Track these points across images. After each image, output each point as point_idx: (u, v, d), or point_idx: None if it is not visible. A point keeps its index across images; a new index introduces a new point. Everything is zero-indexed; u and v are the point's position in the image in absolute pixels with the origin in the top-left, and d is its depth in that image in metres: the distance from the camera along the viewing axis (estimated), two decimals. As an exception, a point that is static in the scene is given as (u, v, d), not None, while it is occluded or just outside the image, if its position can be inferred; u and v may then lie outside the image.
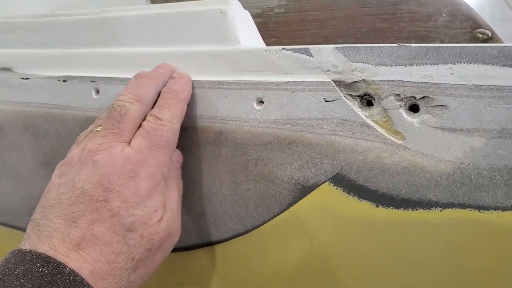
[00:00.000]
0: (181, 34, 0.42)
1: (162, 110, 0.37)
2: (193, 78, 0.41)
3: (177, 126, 0.37)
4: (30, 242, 0.32)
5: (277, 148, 0.37)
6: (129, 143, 0.35)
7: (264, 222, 0.38)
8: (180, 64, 0.42)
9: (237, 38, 0.39)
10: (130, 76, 0.44)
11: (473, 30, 0.52)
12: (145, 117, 0.37)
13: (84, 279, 0.30)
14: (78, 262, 0.30)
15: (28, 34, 0.52)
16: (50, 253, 0.30)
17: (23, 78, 0.52)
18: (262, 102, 0.38)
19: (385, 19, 0.56)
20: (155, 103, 0.38)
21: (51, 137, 0.50)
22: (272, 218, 0.38)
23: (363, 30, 0.58)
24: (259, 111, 0.38)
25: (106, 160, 0.34)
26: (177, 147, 0.39)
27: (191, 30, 0.41)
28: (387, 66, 0.33)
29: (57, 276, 0.29)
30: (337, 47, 0.35)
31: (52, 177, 0.36)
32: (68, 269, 0.29)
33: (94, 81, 0.46)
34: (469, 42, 0.53)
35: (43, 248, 0.31)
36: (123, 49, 0.45)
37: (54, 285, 0.29)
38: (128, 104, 0.37)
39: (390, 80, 0.33)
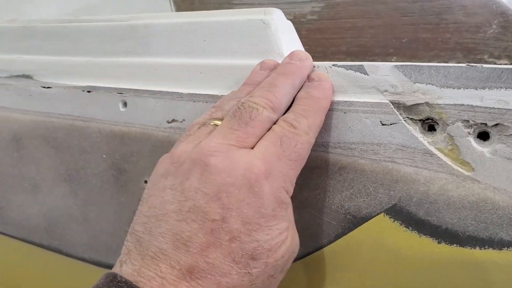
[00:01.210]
0: (218, 46, 0.39)
1: (298, 118, 0.31)
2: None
3: (312, 140, 0.31)
4: (132, 262, 0.27)
5: (326, 174, 0.34)
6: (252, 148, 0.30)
7: (309, 253, 0.35)
8: (217, 78, 0.39)
9: (280, 51, 0.36)
10: (161, 88, 0.41)
11: (525, 43, 0.48)
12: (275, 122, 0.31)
13: None
14: None
15: (50, 40, 0.49)
16: (156, 282, 0.26)
17: (44, 87, 0.49)
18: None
19: (428, 29, 0.53)
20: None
21: (74, 151, 0.47)
22: (317, 250, 0.35)
23: (403, 41, 0.55)
24: (306, 132, 0.34)
25: (224, 166, 0.28)
26: None
27: (229, 41, 0.38)
28: (454, 88, 0.29)
29: None
30: (397, 65, 0.31)
31: (154, 173, 0.31)
32: None
33: (121, 93, 0.43)
34: (521, 55, 0.49)
35: (148, 273, 0.26)
36: (153, 59, 0.42)
37: None
38: (261, 109, 0.30)
39: (457, 104, 0.29)
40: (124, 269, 0.27)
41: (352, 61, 0.61)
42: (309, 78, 0.33)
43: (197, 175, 0.28)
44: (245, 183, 0.27)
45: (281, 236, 0.28)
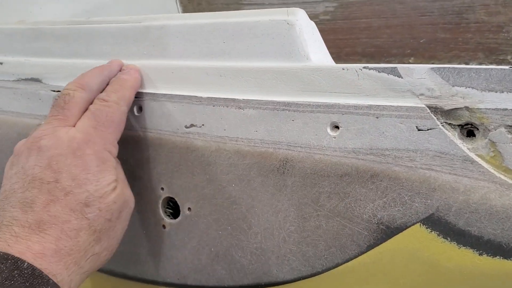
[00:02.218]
0: (239, 48, 0.37)
1: (109, 93, 0.39)
2: (253, 98, 0.36)
3: (124, 108, 0.39)
4: None
5: (356, 182, 0.32)
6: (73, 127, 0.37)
7: (337, 265, 0.34)
8: (238, 82, 0.37)
9: (306, 53, 0.35)
10: (179, 92, 0.40)
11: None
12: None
13: (42, 272, 0.30)
14: (40, 244, 0.31)
15: (60, 42, 0.48)
16: (12, 241, 0.31)
17: (54, 91, 0.47)
18: (337, 127, 0.33)
19: (448, 29, 0.51)
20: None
21: (86, 156, 0.45)
22: (347, 261, 0.33)
23: (421, 41, 0.53)
24: (334, 137, 0.33)
25: (51, 143, 0.35)
26: (233, 176, 0.36)
27: (251, 43, 0.37)
28: (496, 92, 0.28)
29: (15, 271, 0.29)
30: (433, 68, 0.30)
31: (5, 170, 0.37)
32: (26, 263, 0.30)
33: (137, 97, 0.42)
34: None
35: (4, 236, 0.31)
36: (170, 62, 0.41)
37: (12, 281, 0.29)
38: (72, 92, 0.38)
39: (500, 109, 0.28)
40: None
41: (367, 62, 0.60)
42: (121, 70, 0.42)
43: (33, 157, 0.35)
44: (70, 151, 0.35)
45: (110, 186, 0.35)
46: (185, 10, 0.75)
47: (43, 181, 0.34)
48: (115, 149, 0.38)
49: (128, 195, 0.38)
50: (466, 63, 0.51)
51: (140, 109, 0.42)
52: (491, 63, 0.37)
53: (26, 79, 0.50)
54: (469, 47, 0.51)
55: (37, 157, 0.35)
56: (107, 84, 0.40)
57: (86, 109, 0.38)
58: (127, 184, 0.38)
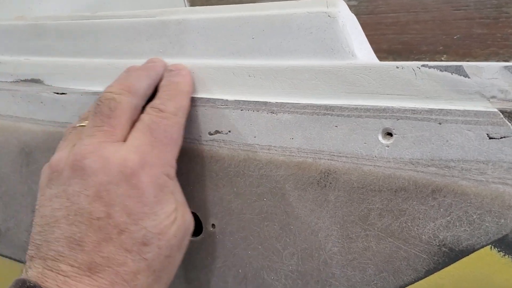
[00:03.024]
0: (270, 44, 0.33)
1: (164, 102, 0.32)
2: (288, 101, 0.32)
3: (182, 120, 0.33)
4: (35, 266, 0.28)
5: (414, 197, 0.28)
6: (124, 140, 0.31)
7: (390, 292, 0.29)
8: (270, 83, 0.33)
9: (351, 50, 0.30)
10: (201, 95, 0.35)
11: None
12: (143, 110, 0.33)
13: None
14: None
15: (64, 39, 0.43)
16: (60, 280, 0.27)
17: (57, 93, 0.43)
18: (391, 134, 0.29)
19: (485, 24, 0.47)
20: (150, 98, 0.34)
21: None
22: (402, 288, 0.29)
23: (455, 37, 0.49)
24: (387, 146, 0.29)
25: (98, 166, 0.29)
26: (265, 189, 0.32)
27: (284, 38, 0.32)
28: None
29: None
30: (507, 66, 0.26)
31: (40, 184, 0.32)
32: None
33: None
34: None
35: (51, 274, 0.27)
36: (189, 61, 0.36)
37: None
38: (118, 96, 0.32)
39: None
40: (30, 273, 0.28)
41: (394, 60, 0.56)
42: (168, 70, 0.35)
43: (77, 180, 0.29)
44: (122, 178, 0.29)
45: (170, 218, 0.30)
46: (193, 4, 0.70)
47: (92, 216, 0.28)
48: (173, 170, 0.31)
49: (189, 221, 0.32)
50: (506, 61, 0.47)
51: (156, 113, 0.37)
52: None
53: (26, 80, 0.45)
54: (509, 43, 0.47)
55: (81, 181, 0.29)
56: (156, 90, 0.34)
57: (135, 120, 0.32)
58: (186, 207, 0.33)
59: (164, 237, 0.29)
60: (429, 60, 0.51)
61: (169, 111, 0.32)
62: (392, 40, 0.53)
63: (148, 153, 0.30)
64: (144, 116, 0.32)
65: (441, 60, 0.51)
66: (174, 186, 0.31)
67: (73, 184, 0.29)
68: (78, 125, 0.34)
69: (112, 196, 0.29)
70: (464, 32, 0.49)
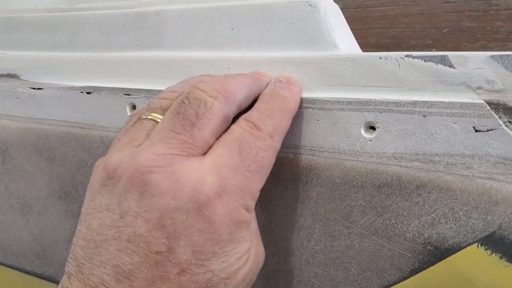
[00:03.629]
0: (250, 35, 0.32)
1: (263, 117, 0.26)
2: (269, 94, 0.31)
3: (278, 145, 0.26)
4: None
5: (398, 193, 0.27)
6: (204, 154, 0.25)
7: (374, 292, 0.28)
8: (250, 75, 0.32)
9: (333, 40, 0.29)
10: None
11: None
12: (233, 120, 0.27)
13: None
14: None
15: (40, 32, 0.42)
16: None
17: (34, 88, 0.41)
18: (374, 128, 0.27)
19: (474, 17, 0.46)
20: (244, 111, 0.27)
21: (71, 163, 0.39)
22: (386, 287, 0.28)
23: (444, 31, 0.48)
24: (370, 140, 0.27)
25: (167, 186, 0.23)
26: None
27: (265, 29, 0.31)
28: None
29: None
30: (493, 56, 0.25)
31: (90, 185, 0.26)
32: None
33: (129, 94, 0.36)
34: None
35: None
36: (168, 54, 0.35)
37: None
38: (210, 100, 0.25)
39: None
40: None
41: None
42: (277, 80, 0.29)
43: (135, 196, 0.24)
44: (194, 206, 0.23)
45: (241, 260, 0.24)
46: None
47: (150, 247, 0.23)
48: (254, 203, 0.25)
49: (261, 257, 0.27)
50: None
51: (134, 108, 0.36)
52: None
53: (1, 75, 0.44)
54: (499, 36, 0.46)
55: (142, 199, 0.23)
56: (253, 101, 0.28)
57: (222, 132, 0.26)
58: (260, 240, 0.27)
59: (232, 281, 0.24)
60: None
61: (266, 131, 0.25)
62: (380, 34, 0.52)
63: (230, 178, 0.24)
64: (235, 129, 0.25)
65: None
66: (252, 221, 0.26)
67: (130, 201, 0.24)
68: (148, 116, 0.27)
69: (178, 227, 0.23)
70: (453, 26, 0.48)
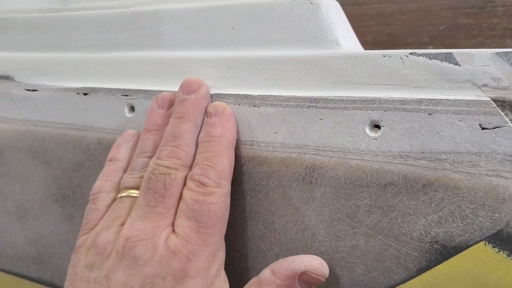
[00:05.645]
0: (250, 34, 0.31)
1: (205, 171, 0.29)
2: (271, 93, 0.30)
3: (227, 188, 0.29)
4: None
5: (404, 192, 0.26)
6: (172, 224, 0.29)
7: (380, 292, 0.28)
8: (251, 74, 0.31)
9: (335, 38, 0.29)
10: (176, 88, 0.33)
11: None
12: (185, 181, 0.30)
13: None
14: None
15: (34, 33, 0.41)
16: None
17: (29, 90, 0.41)
18: (378, 127, 0.27)
19: (470, 14, 0.46)
20: None
21: (68, 166, 0.39)
22: (392, 287, 0.28)
23: (441, 28, 0.48)
24: (375, 139, 0.27)
25: (148, 257, 0.27)
26: (247, 187, 0.30)
27: (265, 28, 0.31)
28: None
29: None
30: (499, 53, 0.24)
31: (76, 263, 0.29)
32: None
33: (127, 95, 0.35)
34: None
35: None
36: (166, 54, 0.34)
37: None
38: (173, 172, 0.29)
39: None
40: None
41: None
42: (206, 113, 0.31)
43: (124, 268, 0.27)
44: (170, 272, 0.27)
45: None
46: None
47: None
48: (222, 253, 0.29)
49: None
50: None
51: (132, 109, 0.36)
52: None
53: (-5, 77, 0.43)
54: (496, 33, 0.46)
55: (129, 270, 0.27)
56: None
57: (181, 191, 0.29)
58: (226, 281, 0.30)
59: None
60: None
61: (212, 184, 0.28)
62: (377, 32, 0.52)
63: (194, 241, 0.27)
64: (186, 194, 0.29)
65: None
66: (220, 265, 0.29)
67: (119, 272, 0.27)
68: (124, 194, 0.31)
69: None
70: (449, 23, 0.48)
